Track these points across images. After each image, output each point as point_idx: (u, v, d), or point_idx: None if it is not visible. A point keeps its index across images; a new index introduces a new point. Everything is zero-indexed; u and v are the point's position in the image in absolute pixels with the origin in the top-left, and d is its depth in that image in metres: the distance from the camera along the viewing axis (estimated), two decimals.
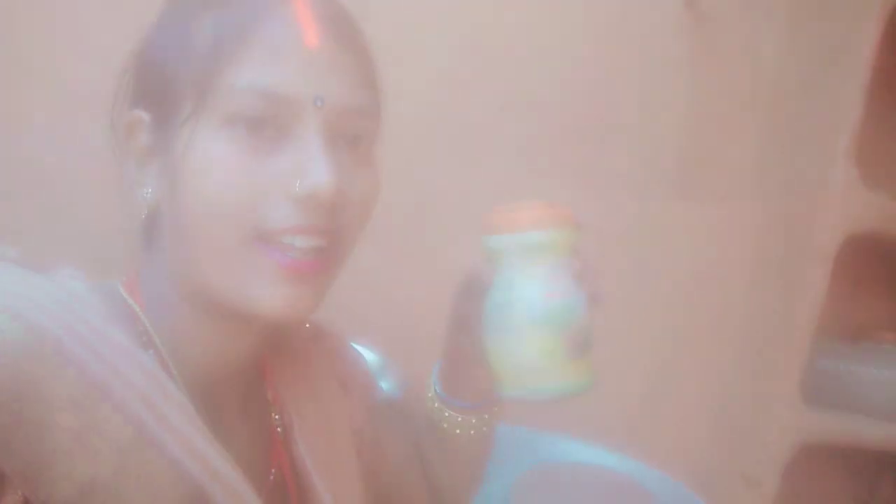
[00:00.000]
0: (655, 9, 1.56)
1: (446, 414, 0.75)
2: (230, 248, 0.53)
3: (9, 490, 0.44)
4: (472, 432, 0.75)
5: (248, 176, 0.52)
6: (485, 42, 1.54)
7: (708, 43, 1.58)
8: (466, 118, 1.57)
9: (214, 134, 0.53)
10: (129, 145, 0.57)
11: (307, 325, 0.73)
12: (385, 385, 1.43)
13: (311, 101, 0.53)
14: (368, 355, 1.43)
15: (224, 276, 0.54)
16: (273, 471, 0.63)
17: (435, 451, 0.78)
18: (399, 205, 1.51)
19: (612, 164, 1.59)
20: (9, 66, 1.38)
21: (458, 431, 0.75)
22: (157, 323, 0.57)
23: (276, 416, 0.66)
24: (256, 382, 0.66)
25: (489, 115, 1.56)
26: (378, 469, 0.75)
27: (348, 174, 0.55)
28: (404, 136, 1.48)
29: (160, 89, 0.55)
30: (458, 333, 0.72)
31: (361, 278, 1.49)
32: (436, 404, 0.76)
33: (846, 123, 1.50)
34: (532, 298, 0.63)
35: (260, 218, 0.53)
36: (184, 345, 0.57)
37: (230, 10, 0.53)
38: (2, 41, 1.36)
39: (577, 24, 1.56)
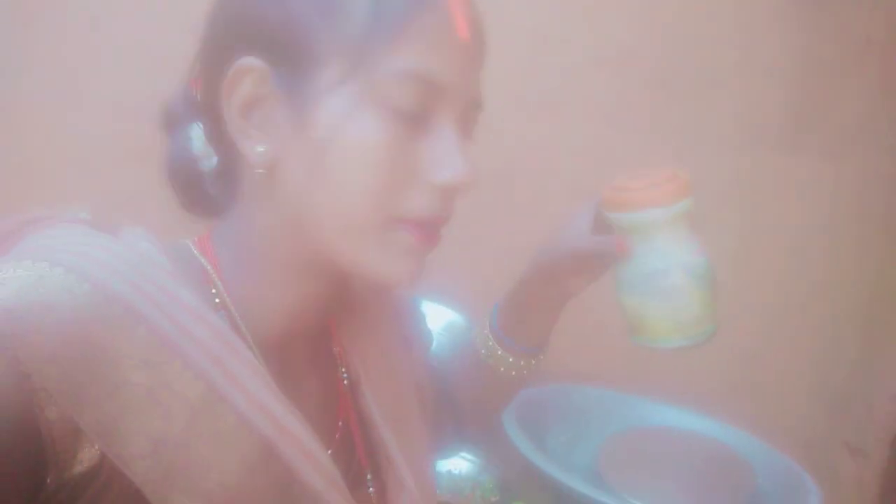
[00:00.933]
0: None
1: (499, 352, 0.80)
2: (367, 226, 0.55)
3: (86, 444, 0.45)
4: (513, 373, 0.80)
5: (395, 162, 0.54)
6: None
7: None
8: (555, 73, 1.52)
9: (367, 114, 0.53)
10: (234, 94, 0.55)
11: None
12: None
13: (458, 92, 0.55)
14: (454, 315, 1.46)
15: (355, 250, 0.55)
16: (340, 424, 0.65)
17: (472, 376, 0.83)
18: (488, 163, 1.49)
19: (711, 120, 1.52)
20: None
21: (502, 369, 0.80)
22: (230, 282, 0.58)
23: (343, 370, 0.67)
24: (324, 338, 0.67)
25: (579, 70, 1.51)
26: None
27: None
28: (492, 93, 1.47)
29: (295, 43, 0.53)
30: (541, 282, 0.77)
31: (451, 237, 1.51)
32: (490, 342, 0.80)
33: None
34: (686, 260, 0.71)
35: (400, 202, 0.55)
36: (256, 304, 0.58)
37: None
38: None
39: None
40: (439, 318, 1.47)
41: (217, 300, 0.56)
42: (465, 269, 1.49)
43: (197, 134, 0.60)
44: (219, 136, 0.58)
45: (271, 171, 0.55)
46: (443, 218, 0.57)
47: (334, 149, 0.53)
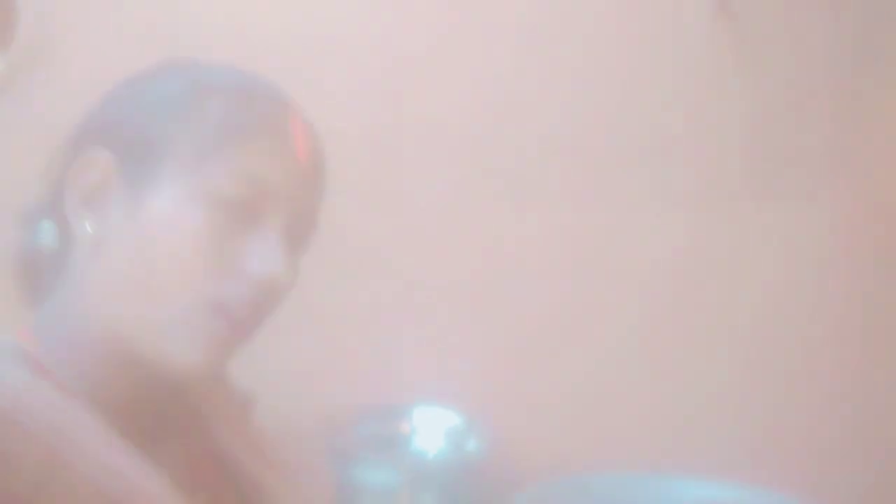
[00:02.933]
0: (686, 14, 1.52)
1: None
2: (176, 309, 0.58)
3: None
4: None
5: (214, 251, 0.59)
6: (510, 86, 1.54)
7: (747, 40, 1.53)
8: (511, 160, 1.55)
9: (194, 204, 0.58)
10: (80, 180, 0.60)
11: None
12: (470, 445, 1.43)
13: (287, 199, 0.62)
14: (454, 416, 1.41)
15: (159, 332, 0.58)
16: (208, 489, 0.68)
17: None
18: (464, 259, 1.48)
19: (669, 179, 1.55)
20: None
21: None
22: (58, 360, 0.60)
23: (198, 440, 0.71)
24: (174, 408, 0.70)
25: (530, 156, 1.54)
26: None
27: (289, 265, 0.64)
28: (456, 193, 1.48)
29: (142, 140, 0.60)
30: None
31: (434, 335, 1.48)
32: None
33: None
34: None
35: (215, 289, 0.59)
36: (88, 378, 0.60)
37: (237, 105, 0.62)
38: None
39: (608, 51, 1.54)
40: (439, 423, 1.47)
41: (49, 381, 0.58)
42: (463, 371, 1.46)
43: (48, 228, 0.63)
44: (62, 224, 0.61)
45: (97, 254, 0.59)
46: (251, 309, 0.60)
47: (159, 233, 0.58)
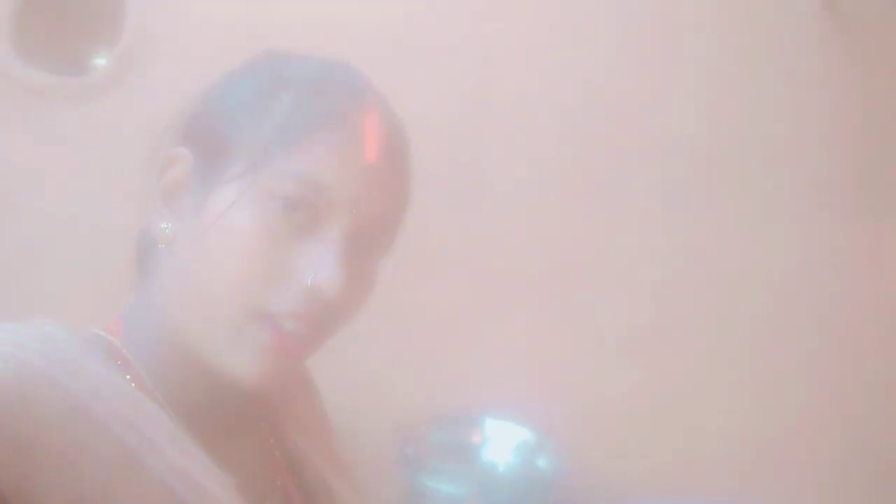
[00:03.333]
0: (789, 14, 1.46)
1: None
2: (224, 314, 0.57)
3: None
4: None
5: (267, 255, 0.57)
6: (607, 93, 1.51)
7: (852, 46, 1.46)
8: (608, 165, 1.52)
9: (251, 206, 0.57)
10: (163, 177, 0.61)
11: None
12: (541, 462, 1.43)
13: (349, 203, 0.58)
14: (525, 432, 1.39)
15: (209, 338, 0.58)
16: (279, 486, 0.68)
17: None
18: (544, 269, 1.46)
19: (765, 192, 1.48)
20: None
21: None
22: (141, 356, 0.60)
23: (273, 441, 0.71)
24: (252, 408, 0.70)
25: (628, 162, 1.51)
26: None
27: (354, 278, 0.60)
28: (538, 195, 1.46)
29: (217, 139, 0.60)
30: None
31: (509, 346, 1.46)
32: None
33: None
34: None
35: (265, 295, 0.57)
36: (168, 376, 0.60)
37: (307, 99, 0.59)
38: None
39: (710, 54, 1.49)
40: (511, 436, 1.47)
41: (128, 375, 0.58)
42: (529, 383, 1.44)
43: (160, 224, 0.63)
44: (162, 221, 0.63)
45: (172, 251, 0.60)
46: (305, 322, 0.58)
47: (214, 236, 0.58)
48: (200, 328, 0.58)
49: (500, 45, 1.49)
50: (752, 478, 1.45)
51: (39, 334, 0.55)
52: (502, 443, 1.47)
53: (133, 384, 0.59)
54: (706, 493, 1.40)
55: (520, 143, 1.49)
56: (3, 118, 1.36)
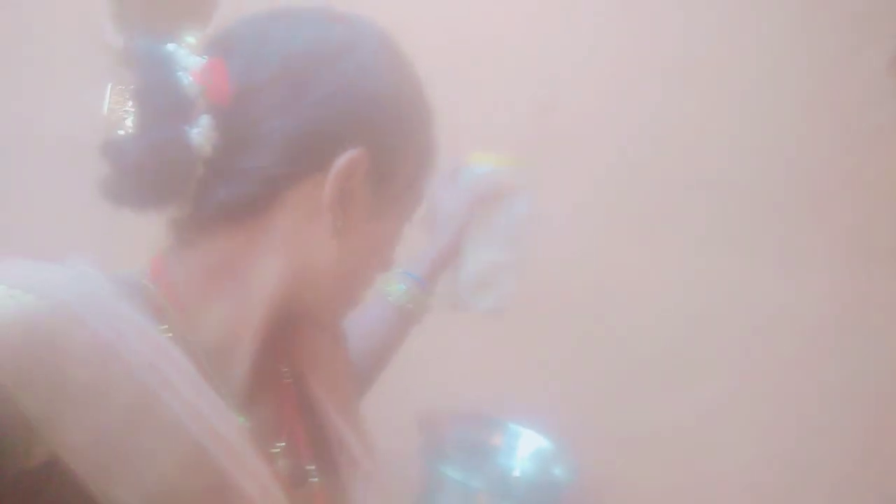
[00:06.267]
0: (855, 75, 1.46)
1: (416, 294, 0.94)
2: (347, 294, 0.70)
3: (38, 440, 0.51)
4: (411, 307, 0.95)
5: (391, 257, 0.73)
6: (670, 121, 1.54)
7: None
8: (651, 197, 1.55)
9: (399, 219, 0.71)
10: (349, 179, 0.62)
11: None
12: (557, 471, 1.45)
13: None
14: (543, 441, 1.43)
15: (329, 306, 0.69)
16: (286, 430, 0.73)
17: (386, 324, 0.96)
18: (581, 288, 1.49)
19: (817, 240, 1.49)
20: None
21: (410, 306, 0.94)
22: (181, 301, 0.63)
23: (285, 369, 0.76)
24: (270, 350, 0.74)
25: (673, 194, 1.54)
26: None
27: None
28: (587, 218, 1.49)
29: (395, 153, 0.66)
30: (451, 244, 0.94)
31: (540, 358, 1.50)
32: (413, 290, 0.94)
33: None
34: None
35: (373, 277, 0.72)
36: (202, 323, 0.64)
37: (434, 124, 0.70)
38: None
39: (768, 97, 1.51)
40: (527, 444, 1.50)
41: (160, 322, 0.61)
42: (554, 395, 1.47)
43: (204, 129, 0.59)
44: (300, 191, 0.62)
45: (335, 240, 0.64)
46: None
47: (368, 244, 0.67)
48: (318, 300, 0.67)
49: (561, 68, 1.55)
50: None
51: (78, 275, 0.58)
52: (521, 448, 1.50)
53: (165, 327, 0.61)
54: None
55: (574, 165, 1.53)
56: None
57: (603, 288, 1.55)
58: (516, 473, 1.48)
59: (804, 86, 1.50)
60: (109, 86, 0.60)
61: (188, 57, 0.59)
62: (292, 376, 0.76)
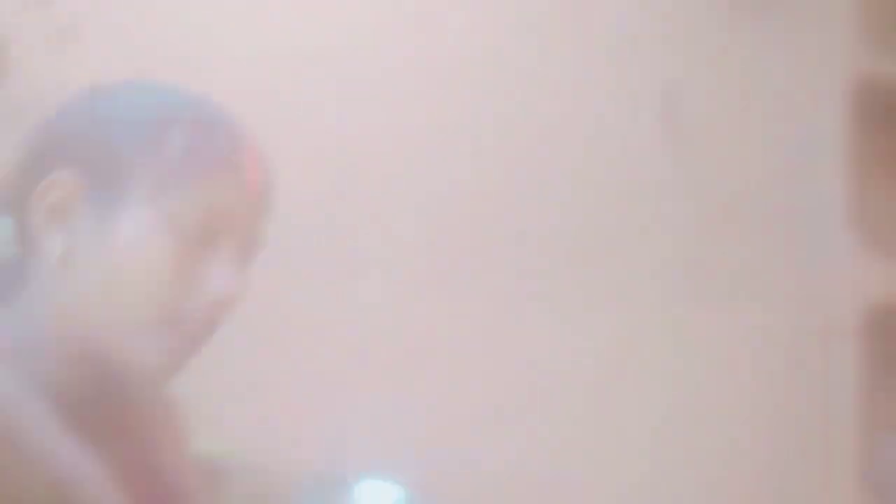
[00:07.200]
0: (632, 122, 1.61)
1: None
2: (141, 322, 0.67)
3: None
4: None
5: (180, 273, 0.68)
6: (467, 178, 1.59)
7: (687, 150, 1.62)
8: (452, 254, 1.59)
9: (162, 229, 0.68)
10: (46, 197, 0.65)
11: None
12: None
13: (241, 223, 0.71)
14: (396, 492, 1.41)
15: (118, 334, 0.67)
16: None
17: None
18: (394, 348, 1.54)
19: (611, 279, 1.60)
20: None
21: None
22: (14, 351, 0.67)
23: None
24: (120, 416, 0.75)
25: (476, 249, 1.59)
26: None
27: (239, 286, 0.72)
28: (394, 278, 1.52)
29: (109, 161, 0.67)
30: None
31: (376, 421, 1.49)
32: None
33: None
34: None
35: (176, 307, 0.68)
36: (41, 371, 0.66)
37: (203, 133, 0.71)
38: None
39: (552, 153, 1.60)
40: (384, 496, 1.46)
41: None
42: (414, 445, 1.47)
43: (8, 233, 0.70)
44: (22, 231, 0.69)
45: (65, 265, 0.67)
46: (204, 325, 0.69)
47: (128, 256, 0.68)
48: (110, 329, 0.66)
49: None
50: None
51: None
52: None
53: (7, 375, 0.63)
54: None
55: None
56: None
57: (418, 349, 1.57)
58: None
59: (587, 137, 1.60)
60: None
61: None
62: (140, 440, 0.75)
